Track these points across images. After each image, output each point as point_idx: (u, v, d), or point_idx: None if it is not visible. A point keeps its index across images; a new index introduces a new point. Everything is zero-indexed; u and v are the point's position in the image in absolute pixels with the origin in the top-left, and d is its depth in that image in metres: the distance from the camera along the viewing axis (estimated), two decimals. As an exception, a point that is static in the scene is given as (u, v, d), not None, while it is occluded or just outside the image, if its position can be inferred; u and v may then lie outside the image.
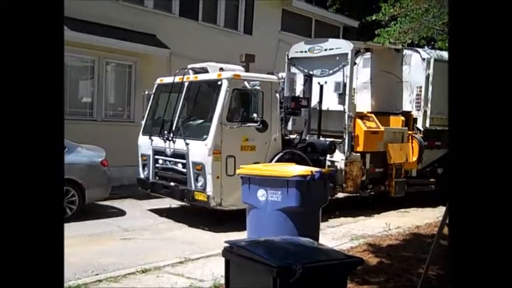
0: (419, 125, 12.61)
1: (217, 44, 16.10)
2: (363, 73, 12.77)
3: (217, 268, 6.09)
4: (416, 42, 13.68)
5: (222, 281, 5.47)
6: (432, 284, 5.76)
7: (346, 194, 12.01)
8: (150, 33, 15.00)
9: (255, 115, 9.50)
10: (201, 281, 6.20)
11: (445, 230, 5.04)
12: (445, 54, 13.24)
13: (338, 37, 19.98)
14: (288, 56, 12.48)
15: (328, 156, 11.16)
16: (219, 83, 9.74)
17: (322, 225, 7.28)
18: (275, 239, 4.69)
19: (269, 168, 7.03)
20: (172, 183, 10.14)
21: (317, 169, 6.67)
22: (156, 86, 11.50)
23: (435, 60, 12.53)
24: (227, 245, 4.32)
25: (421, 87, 12.53)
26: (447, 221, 4.87)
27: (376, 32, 14.22)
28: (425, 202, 12.11)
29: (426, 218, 10.63)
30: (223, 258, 4.36)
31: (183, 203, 10.45)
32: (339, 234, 8.97)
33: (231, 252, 4.31)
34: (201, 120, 10.26)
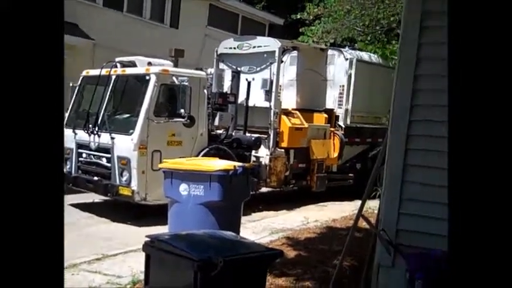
0: (341, 122, 12.71)
1: (143, 37, 15.54)
2: (289, 71, 12.70)
3: (137, 264, 5.80)
4: (338, 42, 13.81)
5: (141, 277, 5.22)
6: (346, 274, 5.83)
7: (270, 189, 11.90)
8: (72, 23, 14.22)
9: (182, 110, 9.30)
10: (119, 277, 5.89)
11: (361, 222, 5.03)
12: (366, 56, 13.44)
13: (264, 34, 19.90)
14: (216, 52, 12.25)
15: (253, 151, 11.03)
16: (147, 77, 9.42)
17: (244, 219, 7.17)
18: (197, 233, 4.54)
19: (192, 162, 6.84)
20: (96, 178, 9.68)
21: (240, 164, 6.56)
22: (81, 78, 10.92)
23: (357, 60, 12.72)
24: (148, 239, 4.14)
25: (343, 86, 12.64)
26: (362, 214, 4.86)
27: (300, 31, 14.27)
28: (343, 196, 12.19)
29: (343, 211, 10.68)
30: (142, 254, 4.16)
31: (107, 198, 9.95)
32: (259, 228, 8.86)
33: (151, 247, 4.13)
34: (128, 115, 9.88)
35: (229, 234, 4.60)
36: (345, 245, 4.88)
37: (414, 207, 4.12)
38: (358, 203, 8.80)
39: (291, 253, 6.93)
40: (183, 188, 6.21)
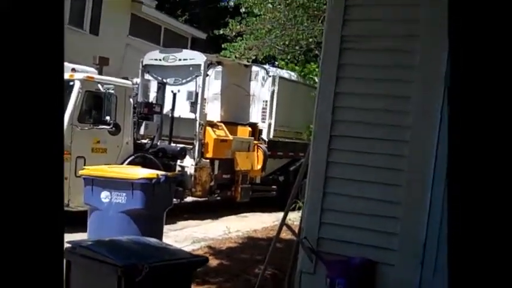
0: (264, 135, 12.95)
1: None
2: (214, 84, 12.76)
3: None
4: (260, 59, 14.07)
5: None
6: (268, 282, 5.93)
7: (195, 198, 11.87)
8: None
9: (107, 118, 9.18)
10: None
11: (281, 233, 5.13)
12: (287, 73, 13.77)
13: (186, 47, 19.69)
14: (142, 62, 12.11)
15: (179, 161, 10.99)
16: (71, 83, 9.19)
17: (166, 228, 7.11)
18: (120, 239, 4.46)
19: (114, 170, 6.74)
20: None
21: (163, 173, 6.51)
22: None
23: (280, 77, 13.08)
24: (69, 245, 4.00)
25: (266, 101, 12.90)
26: (285, 223, 4.96)
27: (223, 46, 14.40)
28: (264, 207, 12.32)
29: (263, 222, 10.83)
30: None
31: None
32: (182, 237, 8.81)
33: (73, 253, 3.98)
34: (51, 121, 9.56)
35: (153, 240, 4.57)
36: (268, 253, 4.96)
37: (334, 216, 4.27)
38: (278, 214, 9.06)
39: (213, 262, 6.93)
40: (105, 195, 6.08)
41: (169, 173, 6.97)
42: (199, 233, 9.33)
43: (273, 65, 16.57)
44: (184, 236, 8.99)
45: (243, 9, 12.83)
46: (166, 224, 9.31)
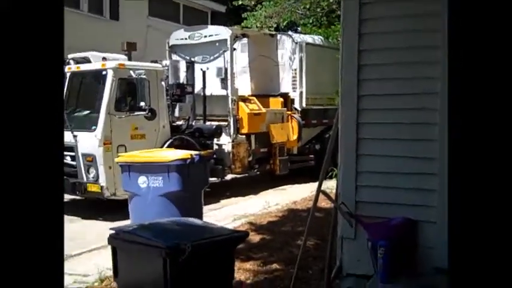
0: (296, 105, 12.68)
1: (82, 30, 14.64)
2: (241, 58, 12.57)
3: (102, 261, 5.60)
4: (282, 27, 13.71)
5: (108, 273, 5.10)
6: (311, 253, 5.84)
7: (234, 175, 11.82)
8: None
9: (142, 104, 9.16)
10: (85, 275, 5.68)
11: (320, 202, 5.00)
12: (313, 38, 13.41)
13: (207, 22, 19.35)
14: (168, 43, 12.03)
15: (215, 139, 10.92)
16: (104, 73, 9.20)
17: (206, 208, 7.06)
18: (161, 221, 4.46)
19: (149, 154, 6.68)
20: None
21: (196, 152, 6.43)
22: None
23: (307, 44, 12.70)
24: (112, 231, 4.02)
25: (295, 69, 12.59)
26: (322, 190, 4.81)
27: (243, 16, 14.14)
28: (303, 178, 12.09)
29: (302, 193, 10.62)
30: (107, 251, 4.03)
31: (76, 196, 9.69)
32: (222, 216, 8.72)
33: (117, 239, 4.01)
34: (88, 111, 9.64)
35: (193, 220, 4.56)
36: (307, 224, 4.84)
37: (370, 178, 4.11)
38: (316, 184, 8.83)
39: (255, 238, 6.87)
40: (142, 180, 6.05)
41: (202, 152, 6.90)
42: (239, 210, 9.26)
43: (296, 31, 16.09)
44: (225, 214, 8.93)
45: None
46: (209, 203, 9.42)
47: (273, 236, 6.99)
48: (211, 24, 18.12)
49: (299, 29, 16.73)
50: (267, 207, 9.31)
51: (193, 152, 6.39)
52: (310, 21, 13.52)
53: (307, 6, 12.20)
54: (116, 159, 6.82)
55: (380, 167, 4.07)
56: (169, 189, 5.93)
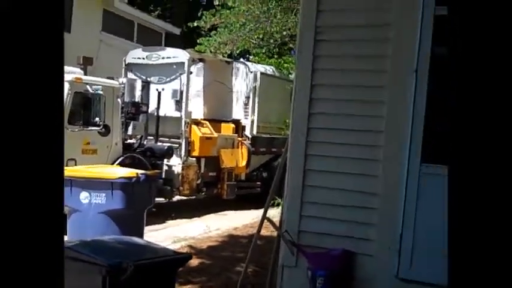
0: (247, 132, 12.68)
1: None
2: (196, 82, 12.47)
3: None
4: (235, 54, 13.78)
5: None
6: (250, 280, 5.70)
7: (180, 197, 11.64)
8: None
9: (97, 119, 8.98)
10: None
11: (262, 231, 4.97)
12: (268, 68, 13.57)
13: (161, 43, 18.93)
14: (125, 61, 11.81)
15: (165, 160, 10.77)
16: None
17: (146, 228, 6.79)
18: (103, 239, 4.29)
19: (93, 170, 6.45)
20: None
21: (142, 171, 6.26)
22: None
23: (261, 73, 12.76)
24: None
25: (249, 97, 12.64)
26: (266, 217, 4.80)
27: (198, 41, 14.11)
28: (245, 205, 11.94)
29: (243, 219, 10.48)
30: None
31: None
32: (162, 237, 8.36)
33: None
34: (40, 124, 9.34)
35: (136, 239, 4.41)
36: (249, 250, 4.79)
37: (314, 209, 4.13)
38: (257, 212, 8.76)
39: (194, 261, 6.62)
40: (84, 196, 5.82)
41: (148, 172, 6.75)
42: (180, 232, 8.98)
43: (248, 59, 16.20)
44: (165, 235, 8.63)
45: (216, 2, 12.58)
46: (154, 223, 9.21)
47: (212, 261, 6.85)
48: (166, 45, 17.92)
49: (251, 57, 16.86)
50: (207, 231, 9.13)
51: (139, 171, 6.24)
52: (263, 51, 13.67)
53: (261, 37, 12.32)
54: None
55: (324, 199, 4.10)
56: (112, 206, 5.73)
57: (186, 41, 18.68)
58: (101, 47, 15.88)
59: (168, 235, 8.67)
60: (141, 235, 6.01)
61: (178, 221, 10.26)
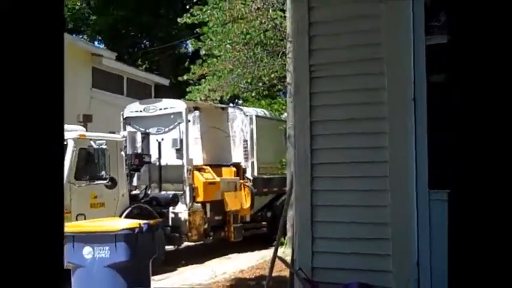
0: (248, 174, 12.59)
1: None
2: (193, 129, 12.48)
3: None
4: (226, 100, 13.79)
5: None
6: None
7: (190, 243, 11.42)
8: None
9: (103, 173, 8.98)
10: None
11: (266, 270, 4.78)
12: (260, 111, 13.62)
13: (150, 95, 18.91)
14: (123, 115, 11.80)
15: (171, 208, 10.62)
16: (64, 143, 8.90)
17: (152, 278, 6.61)
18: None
19: (94, 224, 6.31)
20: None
21: (144, 221, 6.08)
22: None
23: (257, 116, 12.78)
24: None
25: (246, 140, 12.62)
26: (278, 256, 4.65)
27: (187, 90, 14.14)
28: (253, 245, 11.69)
29: (248, 261, 10.21)
30: None
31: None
32: (169, 286, 8.16)
33: None
34: (47, 181, 9.24)
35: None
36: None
37: (325, 244, 4.00)
38: (262, 252, 8.40)
39: None
40: (87, 251, 5.59)
41: (151, 221, 6.57)
42: (184, 280, 8.72)
43: (237, 104, 16.27)
44: (170, 283, 8.40)
45: (203, 52, 12.67)
46: (164, 272, 8.98)
47: None
48: (155, 96, 17.97)
49: (240, 101, 16.90)
50: (213, 277, 8.83)
51: (141, 221, 6.07)
52: (253, 94, 13.71)
53: (249, 81, 12.38)
54: None
55: (335, 233, 3.98)
56: (116, 259, 5.52)
57: (176, 90, 18.74)
58: (92, 103, 15.86)
59: (174, 283, 8.40)
60: (148, 286, 5.84)
61: (182, 268, 9.95)
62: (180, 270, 9.79)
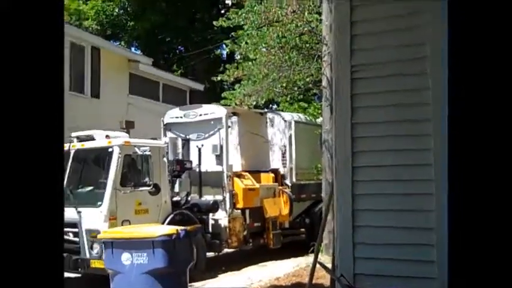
0: (287, 180, 12.45)
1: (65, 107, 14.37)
2: (232, 135, 12.44)
3: None
4: (261, 104, 13.66)
5: None
6: None
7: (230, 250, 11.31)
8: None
9: (147, 179, 8.98)
10: None
11: (303, 278, 4.62)
12: (301, 116, 13.44)
13: (185, 100, 19.03)
14: (163, 121, 11.87)
15: (211, 214, 10.55)
16: (110, 149, 9.00)
17: (196, 284, 6.54)
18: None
19: (132, 230, 6.33)
20: (64, 254, 8.97)
21: (182, 228, 6.08)
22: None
23: (295, 122, 12.63)
24: None
25: (285, 146, 12.48)
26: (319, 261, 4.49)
27: (222, 95, 14.04)
28: (292, 252, 11.49)
29: (284, 268, 10.03)
30: None
31: (77, 274, 9.13)
32: None
33: None
34: (92, 187, 9.38)
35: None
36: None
37: (368, 250, 3.84)
38: (298, 259, 8.08)
39: None
40: (126, 257, 5.61)
41: (188, 228, 6.52)
42: (221, 286, 8.66)
43: (271, 109, 16.06)
44: None
45: (238, 56, 12.57)
46: (206, 279, 8.89)
47: None
48: (190, 102, 17.99)
49: (274, 106, 16.70)
50: (249, 284, 8.70)
51: (179, 228, 6.05)
52: (288, 98, 13.51)
53: (284, 85, 12.20)
54: (99, 236, 6.39)
55: (378, 239, 3.80)
56: (154, 266, 5.51)
57: (210, 96, 18.77)
58: (129, 108, 16.00)
59: None
60: (185, 292, 5.76)
61: (222, 275, 9.88)
62: (220, 277, 9.72)
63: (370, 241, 3.82)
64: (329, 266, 4.34)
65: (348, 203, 3.90)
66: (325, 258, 7.11)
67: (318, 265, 4.44)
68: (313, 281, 6.52)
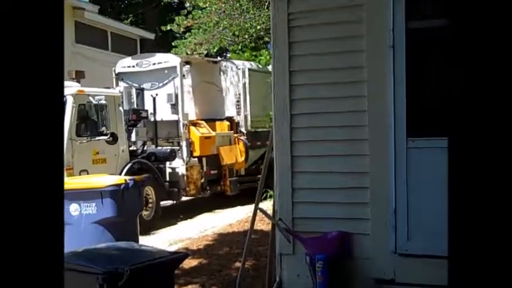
0: (242, 128, 12.38)
1: None
2: (186, 84, 12.17)
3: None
4: (212, 53, 13.32)
5: None
6: (250, 274, 5.41)
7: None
8: None
9: (103, 128, 8.72)
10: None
11: (255, 224, 4.67)
12: (255, 65, 13.25)
13: (136, 49, 18.02)
14: (114, 71, 11.36)
15: (167, 163, 10.46)
16: (63, 99, 8.68)
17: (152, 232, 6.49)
18: (97, 247, 4.00)
19: (80, 181, 6.16)
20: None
21: (130, 177, 5.97)
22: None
23: (249, 69, 12.43)
24: None
25: (239, 94, 12.33)
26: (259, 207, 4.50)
27: (173, 44, 13.61)
28: (250, 198, 11.48)
29: (237, 215, 10.02)
30: None
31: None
32: (157, 241, 7.88)
33: None
34: (48, 138, 9.07)
35: (130, 244, 4.11)
36: (245, 244, 4.50)
37: (305, 195, 3.86)
38: (250, 207, 8.31)
39: (192, 262, 6.29)
40: (74, 208, 5.46)
41: (136, 177, 6.38)
42: (174, 235, 8.57)
43: (225, 57, 15.71)
44: (160, 239, 8.20)
45: (187, 4, 12.13)
46: (162, 227, 8.90)
47: (210, 259, 6.49)
48: (141, 51, 17.34)
49: (228, 54, 16.34)
50: (203, 231, 8.70)
51: (127, 177, 5.94)
52: (239, 47, 13.25)
53: (236, 33, 11.90)
54: None
55: (314, 183, 3.83)
56: (103, 215, 5.41)
57: (161, 44, 18.05)
58: (75, 58, 15.32)
59: (164, 239, 8.23)
60: (136, 241, 5.65)
61: (173, 223, 9.80)
62: (178, 224, 9.70)
63: (308, 186, 3.84)
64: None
65: (286, 149, 3.88)
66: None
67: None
68: (264, 227, 6.62)
